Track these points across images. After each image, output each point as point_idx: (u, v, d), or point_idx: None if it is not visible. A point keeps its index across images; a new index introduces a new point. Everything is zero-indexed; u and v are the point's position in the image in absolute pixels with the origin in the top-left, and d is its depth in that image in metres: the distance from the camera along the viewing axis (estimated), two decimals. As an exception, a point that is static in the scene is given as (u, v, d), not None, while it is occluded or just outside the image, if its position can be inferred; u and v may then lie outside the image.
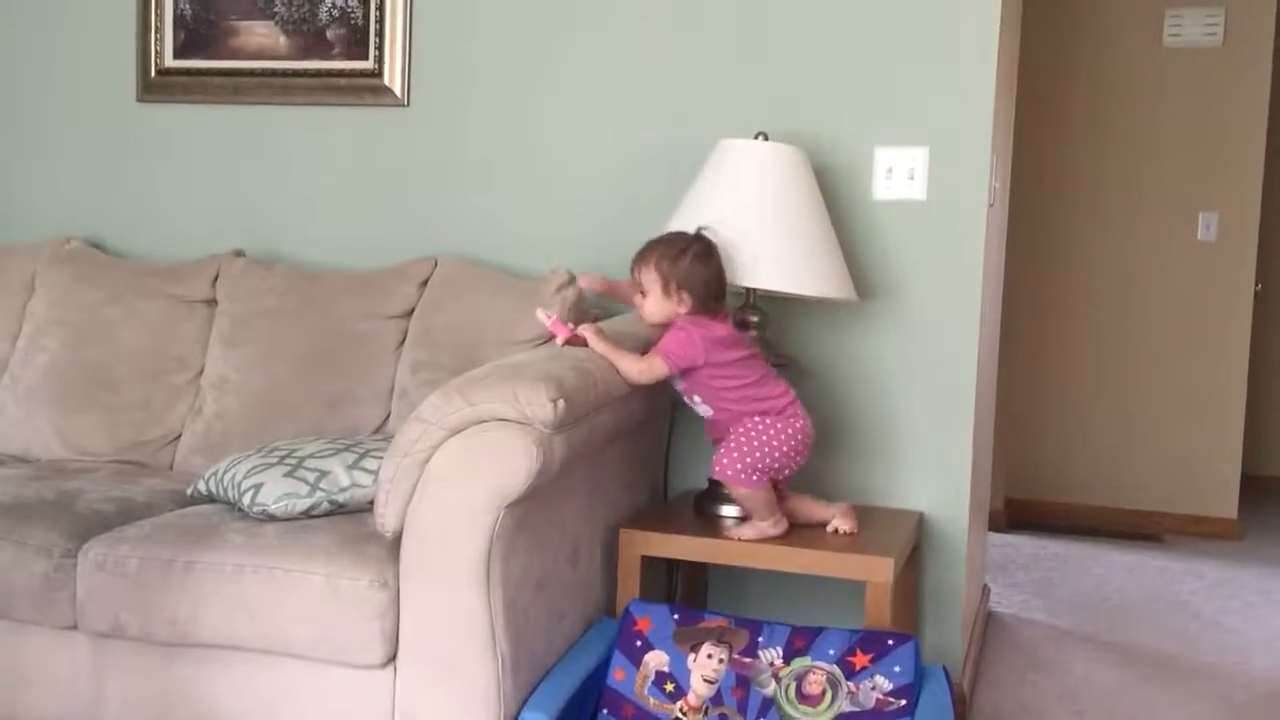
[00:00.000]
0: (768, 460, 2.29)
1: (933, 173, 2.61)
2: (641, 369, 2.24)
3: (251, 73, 3.04)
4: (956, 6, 2.58)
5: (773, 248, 2.42)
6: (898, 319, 2.66)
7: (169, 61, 3.10)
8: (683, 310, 2.28)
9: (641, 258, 2.31)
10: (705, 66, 2.75)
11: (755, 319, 2.53)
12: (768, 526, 2.32)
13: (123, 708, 2.15)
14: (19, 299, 2.97)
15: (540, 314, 2.35)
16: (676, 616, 2.20)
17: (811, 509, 2.41)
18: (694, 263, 2.28)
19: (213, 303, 2.89)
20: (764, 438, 2.30)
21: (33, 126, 3.23)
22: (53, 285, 2.96)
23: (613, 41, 2.81)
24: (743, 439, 2.29)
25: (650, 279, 2.29)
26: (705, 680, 2.12)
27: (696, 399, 2.35)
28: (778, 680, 2.10)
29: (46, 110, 3.22)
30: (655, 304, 2.30)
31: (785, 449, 2.31)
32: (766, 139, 2.52)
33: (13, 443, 2.83)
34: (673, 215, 2.50)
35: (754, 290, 2.52)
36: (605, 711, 2.13)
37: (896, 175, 2.63)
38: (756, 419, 2.30)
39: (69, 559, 2.13)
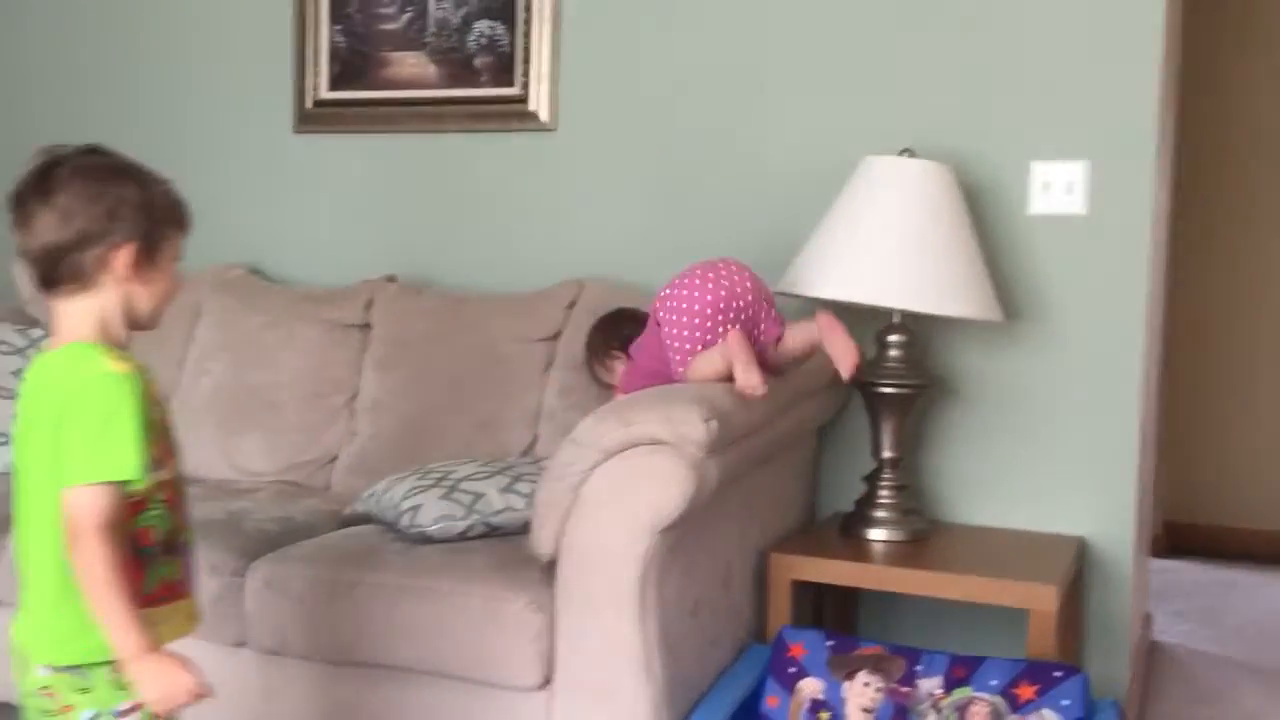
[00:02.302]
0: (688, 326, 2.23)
1: (1093, 186, 2.52)
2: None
3: (402, 102, 3.12)
4: (1117, 12, 2.50)
5: (917, 268, 2.37)
6: (1054, 337, 2.58)
7: (324, 93, 3.20)
8: (621, 366, 2.49)
9: (597, 364, 2.56)
10: (850, 82, 2.72)
11: (901, 339, 2.48)
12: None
13: (288, 723, 2.21)
14: (186, 324, 3.10)
15: None
16: (830, 643, 2.16)
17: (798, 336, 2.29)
18: (591, 347, 2.57)
19: (366, 327, 2.96)
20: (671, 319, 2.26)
21: (198, 159, 3.36)
22: (217, 311, 3.08)
23: (755, 60, 2.80)
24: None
25: (604, 373, 2.54)
26: (862, 709, 2.08)
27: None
28: (938, 711, 2.04)
29: (210, 143, 3.36)
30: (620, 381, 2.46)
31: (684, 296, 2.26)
32: (912, 155, 2.47)
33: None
34: (815, 235, 2.48)
35: (900, 311, 2.47)
36: (760, 739, 2.11)
37: (1054, 190, 2.55)
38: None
39: (238, 578, 2.20)
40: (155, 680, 1.43)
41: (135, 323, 1.52)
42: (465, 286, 3.04)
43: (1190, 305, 4.50)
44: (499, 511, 2.25)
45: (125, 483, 1.42)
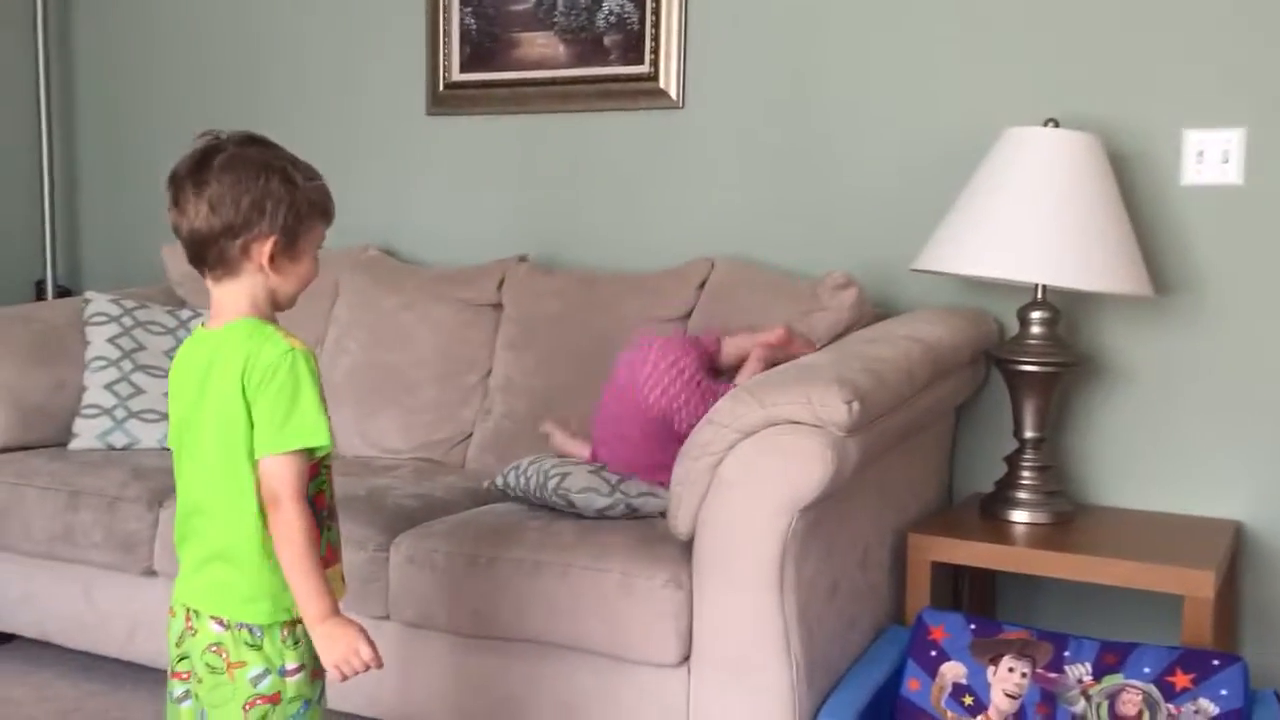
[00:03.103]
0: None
1: (1250, 154, 2.41)
2: None
3: (532, 82, 3.14)
4: (1277, -28, 2.38)
5: (1062, 242, 2.29)
6: (1209, 313, 2.47)
7: (456, 75, 3.24)
8: None
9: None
10: (990, 49, 2.64)
11: (1044, 315, 2.40)
12: None
13: (426, 695, 2.26)
14: (324, 304, 3.17)
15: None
16: (973, 626, 2.11)
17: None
18: None
19: (498, 306, 2.99)
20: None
21: (333, 143, 3.43)
22: (354, 291, 3.15)
23: (891, 30, 2.73)
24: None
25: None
26: (1007, 695, 2.03)
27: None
28: (1087, 698, 1.98)
29: (345, 127, 3.43)
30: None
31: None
32: (1057, 126, 2.39)
33: (321, 440, 3.02)
34: (953, 209, 2.42)
35: (1043, 286, 2.39)
36: (900, 722, 2.08)
37: (1208, 159, 2.44)
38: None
39: (381, 552, 2.25)
40: (336, 644, 1.48)
41: (276, 305, 1.59)
42: (595, 265, 3.05)
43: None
44: (641, 494, 2.25)
45: (312, 451, 1.49)
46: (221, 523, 1.52)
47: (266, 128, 1.70)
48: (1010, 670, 2.05)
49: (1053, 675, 2.02)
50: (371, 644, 1.50)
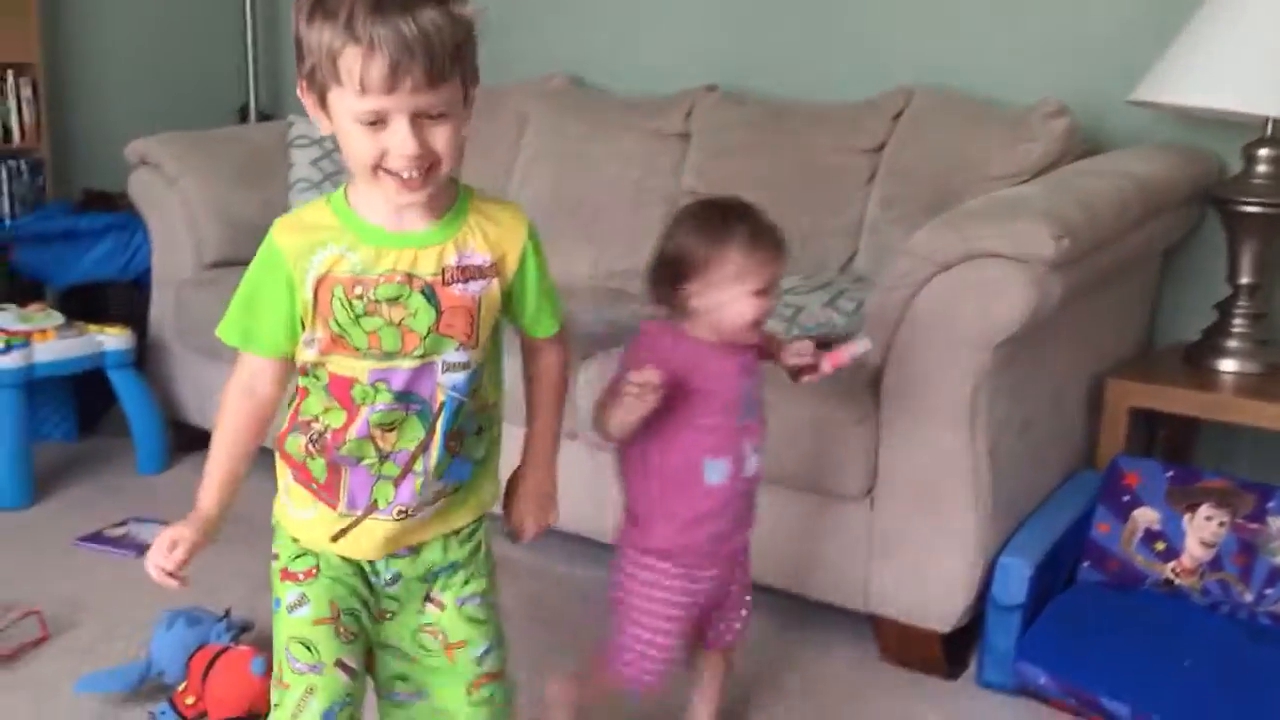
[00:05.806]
0: None
1: None
2: None
3: (727, -98, 3.03)
4: None
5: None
6: None
7: (648, -105, 3.15)
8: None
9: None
10: None
11: (1273, 153, 2.24)
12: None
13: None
14: (513, 134, 3.19)
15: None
16: (1170, 474, 2.06)
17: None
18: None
19: (686, 136, 2.96)
20: None
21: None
22: (542, 120, 3.16)
23: None
24: None
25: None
26: (1203, 543, 1.98)
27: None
28: (1291, 551, 1.92)
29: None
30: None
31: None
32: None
33: (510, 266, 3.09)
34: (1179, 35, 2.25)
35: (1274, 120, 2.22)
36: (1087, 564, 2.05)
37: None
38: None
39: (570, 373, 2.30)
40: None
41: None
42: (786, 95, 2.97)
43: None
44: (819, 325, 2.24)
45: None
46: None
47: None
48: (1208, 519, 1.99)
49: (1253, 526, 1.96)
50: (163, 558, 1.30)
